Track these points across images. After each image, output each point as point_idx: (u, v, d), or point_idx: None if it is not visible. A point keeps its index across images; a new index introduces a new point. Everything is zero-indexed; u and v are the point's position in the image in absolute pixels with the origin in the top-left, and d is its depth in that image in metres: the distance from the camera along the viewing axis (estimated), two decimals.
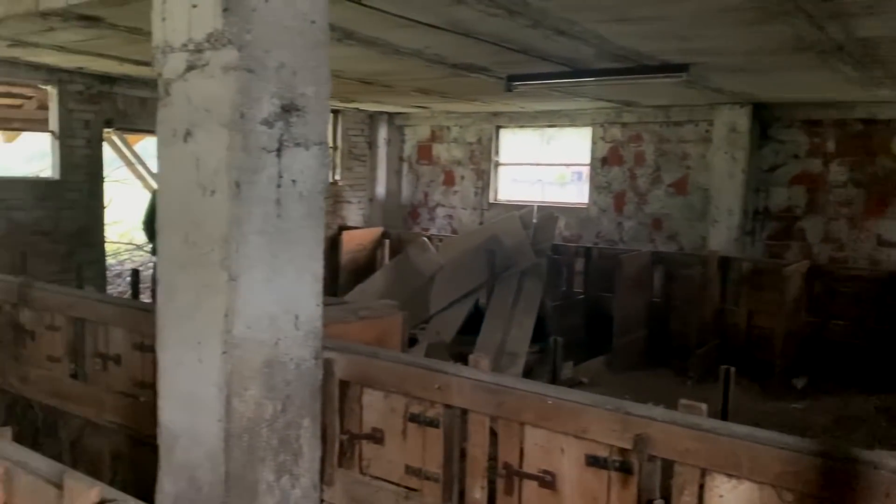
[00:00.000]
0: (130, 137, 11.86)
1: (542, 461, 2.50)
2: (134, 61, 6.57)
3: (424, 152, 11.60)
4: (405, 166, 11.85)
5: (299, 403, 2.97)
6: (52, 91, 7.75)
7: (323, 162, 2.98)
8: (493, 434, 2.69)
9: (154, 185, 12.70)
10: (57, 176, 7.80)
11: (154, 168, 13.40)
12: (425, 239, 9.17)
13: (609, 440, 2.35)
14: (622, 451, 2.35)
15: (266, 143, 2.75)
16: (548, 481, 2.49)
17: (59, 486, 1.64)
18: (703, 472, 2.19)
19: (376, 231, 10.85)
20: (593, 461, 2.40)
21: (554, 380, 4.00)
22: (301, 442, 2.98)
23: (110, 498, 1.59)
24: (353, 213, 11.47)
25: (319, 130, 2.93)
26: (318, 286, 3.03)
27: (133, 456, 3.97)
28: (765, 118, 8.91)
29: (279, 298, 2.86)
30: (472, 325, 8.12)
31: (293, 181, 2.86)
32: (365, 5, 3.97)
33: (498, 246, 8.45)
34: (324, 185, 3.02)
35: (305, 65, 2.86)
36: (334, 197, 11.14)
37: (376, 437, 2.98)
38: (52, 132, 7.79)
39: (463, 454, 2.75)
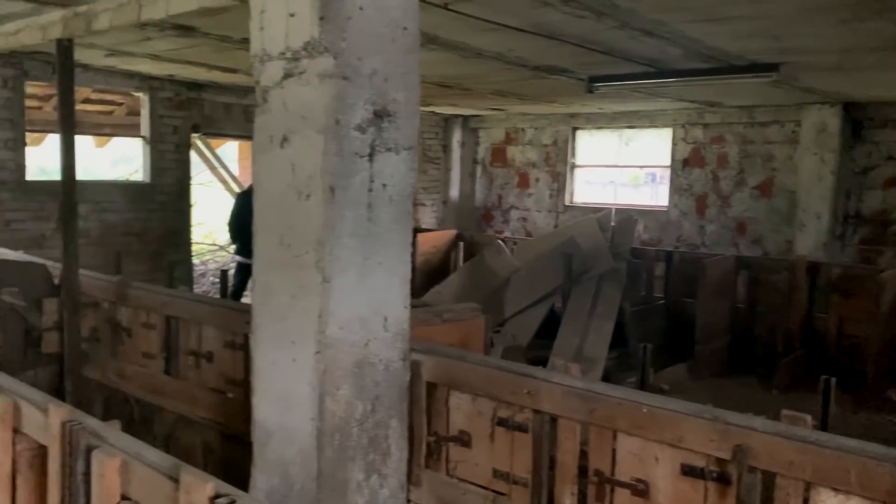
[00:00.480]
0: (213, 142, 12.27)
1: (635, 469, 2.47)
2: (221, 68, 6.80)
3: (498, 154, 11.59)
4: (479, 169, 11.87)
5: (388, 404, 3.01)
6: (143, 98, 8.09)
7: (411, 166, 3.02)
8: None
9: (235, 188, 13.12)
10: (147, 179, 8.14)
11: (235, 171, 13.83)
12: (500, 242, 9.16)
13: (706, 450, 2.30)
14: (720, 461, 2.29)
15: (359, 148, 2.79)
16: (641, 490, 2.45)
17: (174, 479, 1.71)
18: (808, 486, 2.11)
19: (450, 233, 10.90)
20: (689, 471, 2.35)
21: (642, 387, 3.94)
22: (389, 442, 3.01)
23: (224, 493, 1.64)
24: (426, 216, 11.55)
25: (409, 135, 2.97)
26: (406, 289, 3.07)
27: (224, 450, 4.11)
28: (856, 118, 8.54)
29: (369, 300, 2.90)
30: (548, 329, 8.06)
31: (384, 185, 2.90)
32: (452, 11, 4.00)
33: (575, 249, 8.36)
34: (412, 189, 3.05)
35: (397, 71, 2.89)
36: None
37: (463, 439, 3.00)
38: (143, 137, 8.13)
39: (551, 460, 2.73)
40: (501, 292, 8.37)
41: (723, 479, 2.29)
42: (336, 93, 2.69)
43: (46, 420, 2.13)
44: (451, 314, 3.66)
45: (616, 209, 9.39)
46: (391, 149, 2.90)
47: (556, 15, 4.03)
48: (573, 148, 10.90)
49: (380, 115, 2.84)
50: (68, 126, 4.70)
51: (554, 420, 2.70)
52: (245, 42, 5.46)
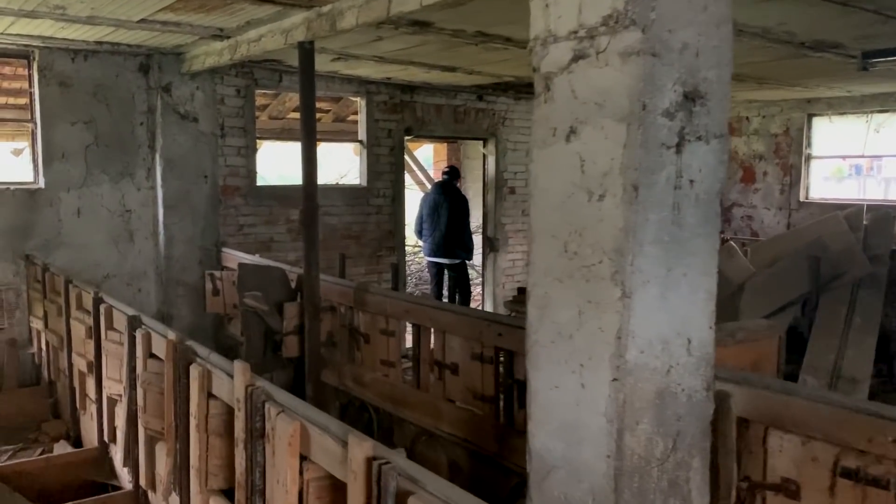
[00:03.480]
0: (411, 144, 12.37)
1: None
2: (441, 67, 6.64)
3: None
4: None
5: (689, 441, 2.54)
6: (360, 102, 8.16)
7: (721, 158, 2.52)
8: None
9: (430, 188, 13.18)
10: (364, 183, 8.21)
11: (431, 174, 13.89)
12: (732, 243, 8.31)
13: None
14: None
15: (666, 137, 2.34)
16: None
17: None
18: None
19: None
20: None
21: None
22: (690, 486, 2.55)
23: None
24: None
25: (720, 120, 2.47)
26: (712, 305, 2.57)
27: (473, 470, 3.84)
28: None
29: (671, 319, 2.44)
30: (788, 342, 7.15)
31: (691, 181, 2.43)
32: None
33: (823, 251, 7.37)
34: (721, 186, 2.55)
35: (708, 44, 2.41)
36: None
37: (789, 489, 2.46)
38: (360, 142, 8.21)
39: None
40: (735, 300, 7.55)
41: None
42: (643, 73, 2.25)
43: (345, 453, 1.89)
44: (744, 333, 3.13)
45: (867, 205, 8.21)
46: (700, 137, 2.42)
47: None
48: (809, 137, 9.73)
49: (690, 98, 2.38)
50: (310, 130, 4.67)
51: None
52: (477, 36, 5.24)
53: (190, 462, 2.91)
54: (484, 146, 9.30)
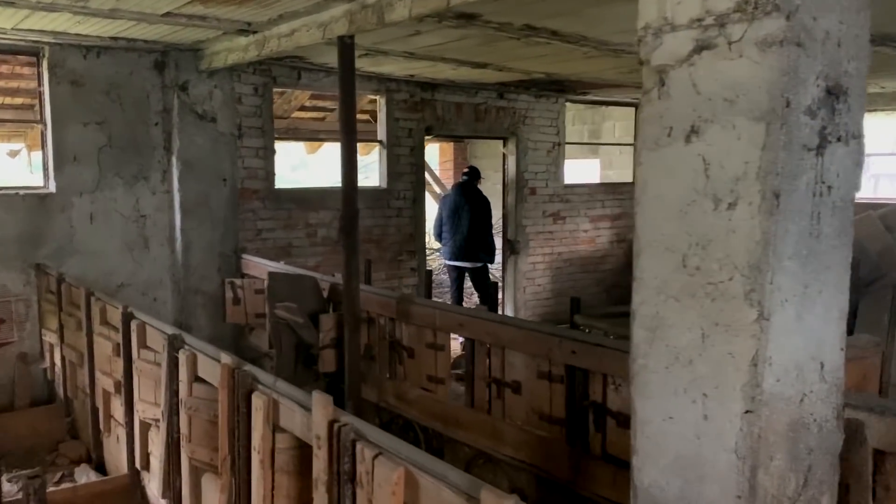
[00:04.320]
0: None
1: None
2: (473, 64, 6.35)
3: None
4: None
5: (819, 477, 2.28)
6: (380, 101, 7.86)
7: (858, 161, 2.24)
8: None
9: (437, 189, 12.88)
10: (384, 185, 7.91)
11: (439, 173, 13.57)
12: None
13: None
14: None
15: (807, 138, 2.07)
16: None
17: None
18: None
19: None
20: None
21: None
22: None
23: None
24: None
25: (858, 119, 2.20)
26: (843, 325, 2.31)
27: (542, 497, 3.55)
28: None
29: (806, 342, 2.18)
30: None
31: (829, 188, 2.16)
32: None
33: (861, 253, 7.12)
34: (857, 191, 2.28)
35: (849, 33, 2.14)
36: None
37: None
38: (380, 142, 7.91)
39: None
40: None
41: None
42: (787, 65, 1.98)
43: None
44: (853, 350, 2.86)
45: None
46: (840, 138, 2.15)
47: None
48: None
49: (833, 93, 2.11)
50: (350, 129, 4.37)
51: None
52: (523, 29, 4.96)
53: (252, 499, 2.62)
54: (504, 146, 9.01)
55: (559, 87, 8.46)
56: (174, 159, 6.36)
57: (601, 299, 9.73)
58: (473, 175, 8.47)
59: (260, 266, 6.23)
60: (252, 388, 2.63)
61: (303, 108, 11.97)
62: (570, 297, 6.31)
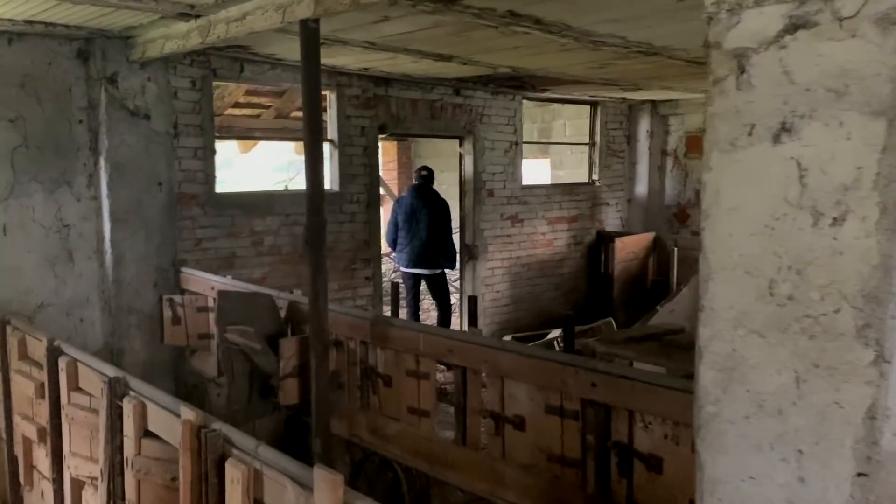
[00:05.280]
0: None
1: None
2: (436, 56, 5.85)
3: (695, 143, 10.21)
4: (670, 161, 10.54)
5: None
6: (330, 96, 7.26)
7: None
8: None
9: (382, 191, 12.30)
10: (336, 188, 7.32)
11: (381, 174, 13.02)
12: None
13: None
14: None
15: None
16: None
17: None
18: None
19: (648, 237, 9.66)
20: None
21: None
22: None
23: None
24: (610, 216, 10.34)
25: None
26: None
27: None
28: None
29: None
30: None
31: None
32: None
33: None
34: None
35: None
36: (592, 199, 10.08)
37: None
38: (330, 141, 7.31)
39: None
40: None
41: None
42: None
43: None
44: None
45: None
46: None
47: None
48: None
49: None
50: (315, 128, 3.80)
51: None
52: (505, 16, 4.48)
53: None
54: (461, 145, 8.54)
55: (517, 84, 8.04)
56: (102, 161, 5.61)
57: (560, 304, 9.39)
58: (430, 176, 7.98)
59: (202, 281, 5.57)
60: (226, 452, 2.06)
61: (236, 105, 11.25)
62: (565, 314, 5.81)
